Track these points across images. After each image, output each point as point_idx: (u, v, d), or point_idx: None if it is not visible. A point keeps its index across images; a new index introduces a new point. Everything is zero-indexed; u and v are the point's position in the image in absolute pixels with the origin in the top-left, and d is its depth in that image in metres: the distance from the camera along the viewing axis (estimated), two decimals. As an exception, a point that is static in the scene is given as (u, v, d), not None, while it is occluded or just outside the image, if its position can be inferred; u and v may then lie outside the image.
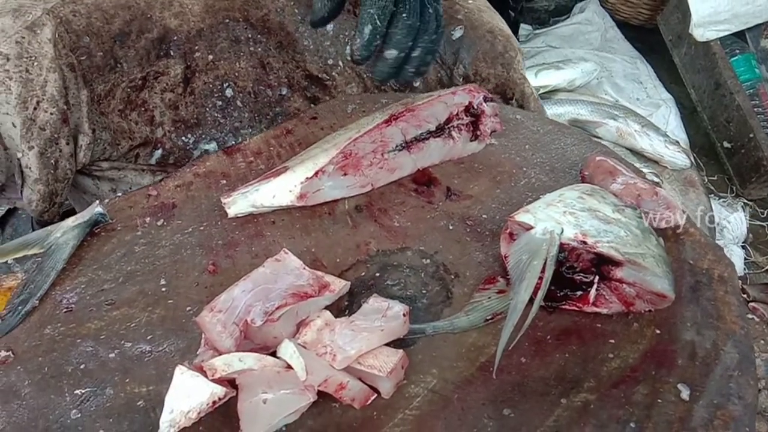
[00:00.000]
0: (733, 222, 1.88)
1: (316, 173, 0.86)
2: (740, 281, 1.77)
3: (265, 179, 0.88)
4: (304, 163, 0.88)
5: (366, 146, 0.89)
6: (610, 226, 0.73)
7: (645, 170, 1.69)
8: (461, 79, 1.20)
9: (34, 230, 0.99)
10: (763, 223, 1.98)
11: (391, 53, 0.85)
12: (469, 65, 1.18)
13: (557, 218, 0.73)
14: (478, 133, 0.96)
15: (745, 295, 1.75)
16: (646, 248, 0.72)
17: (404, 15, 0.83)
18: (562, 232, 0.71)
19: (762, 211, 2.04)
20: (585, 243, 0.71)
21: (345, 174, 0.88)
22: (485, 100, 0.97)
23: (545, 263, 0.69)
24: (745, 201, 2.06)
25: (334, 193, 0.89)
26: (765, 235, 1.96)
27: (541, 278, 0.69)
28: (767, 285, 1.80)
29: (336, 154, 0.87)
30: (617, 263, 0.71)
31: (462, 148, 0.96)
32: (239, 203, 0.86)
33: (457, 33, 1.18)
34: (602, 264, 0.72)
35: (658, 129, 1.90)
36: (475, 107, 0.96)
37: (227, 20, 1.13)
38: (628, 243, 0.71)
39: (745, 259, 1.87)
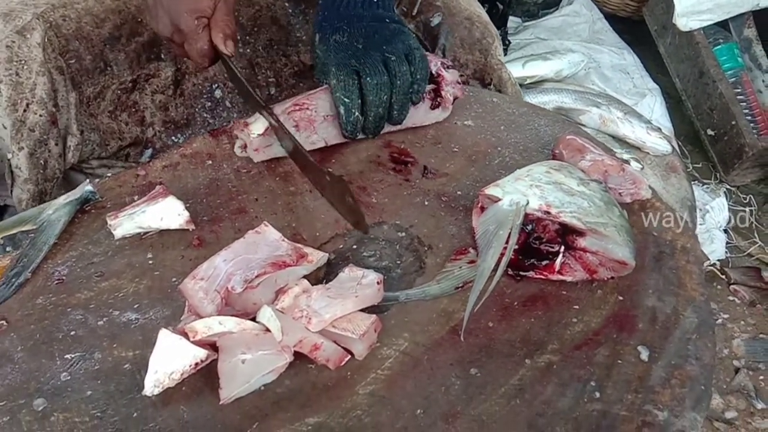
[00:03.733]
0: (715, 207, 1.92)
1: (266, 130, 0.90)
2: (719, 262, 1.81)
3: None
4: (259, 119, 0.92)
5: (320, 103, 0.93)
6: (573, 197, 0.76)
7: (626, 156, 1.73)
8: None
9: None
10: (745, 208, 2.02)
11: (370, 113, 0.92)
12: (447, 51, 1.21)
13: (524, 191, 0.76)
14: (440, 100, 0.99)
15: (726, 278, 1.79)
16: (608, 218, 0.75)
17: (368, 78, 0.90)
18: (527, 203, 0.75)
19: (744, 196, 2.08)
20: (549, 213, 0.74)
21: (297, 128, 0.92)
22: (444, 66, 0.98)
23: (510, 232, 0.73)
24: (728, 187, 2.11)
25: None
26: (747, 220, 2.00)
27: (506, 247, 0.72)
28: (749, 268, 1.85)
29: (289, 105, 0.91)
30: (581, 233, 0.75)
31: (423, 115, 0.99)
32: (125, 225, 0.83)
33: (436, 20, 1.22)
34: (567, 234, 0.76)
35: (640, 116, 1.93)
36: (434, 74, 0.97)
37: None
38: (590, 213, 0.75)
39: (727, 243, 1.91)
